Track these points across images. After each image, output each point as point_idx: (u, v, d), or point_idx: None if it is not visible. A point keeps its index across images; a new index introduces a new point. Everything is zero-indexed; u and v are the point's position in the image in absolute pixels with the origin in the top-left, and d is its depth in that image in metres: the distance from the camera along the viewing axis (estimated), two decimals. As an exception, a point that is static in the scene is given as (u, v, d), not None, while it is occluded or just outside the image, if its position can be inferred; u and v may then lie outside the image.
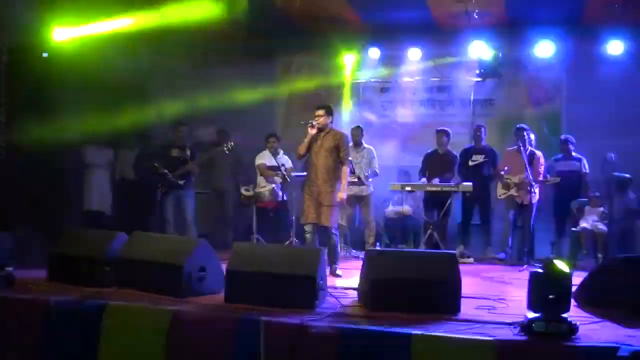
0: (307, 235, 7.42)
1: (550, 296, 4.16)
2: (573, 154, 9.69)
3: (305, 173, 8.05)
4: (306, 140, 7.49)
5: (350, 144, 9.71)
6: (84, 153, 10.05)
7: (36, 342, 4.88)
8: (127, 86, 10.26)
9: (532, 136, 9.36)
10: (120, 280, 5.68)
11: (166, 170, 8.83)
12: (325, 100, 9.29)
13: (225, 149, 9.19)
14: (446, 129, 9.98)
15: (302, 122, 7.65)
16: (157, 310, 4.74)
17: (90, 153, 10.13)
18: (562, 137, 10.02)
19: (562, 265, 4.25)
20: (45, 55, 9.41)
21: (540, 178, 8.96)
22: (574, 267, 7.55)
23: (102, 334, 4.72)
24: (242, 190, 9.39)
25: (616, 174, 9.25)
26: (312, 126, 7.44)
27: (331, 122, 7.62)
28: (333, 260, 7.42)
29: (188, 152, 9.28)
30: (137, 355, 4.62)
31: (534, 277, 4.30)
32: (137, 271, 5.61)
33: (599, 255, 8.89)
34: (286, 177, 8.91)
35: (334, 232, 7.45)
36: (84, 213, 10.00)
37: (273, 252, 5.61)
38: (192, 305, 4.93)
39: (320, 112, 7.51)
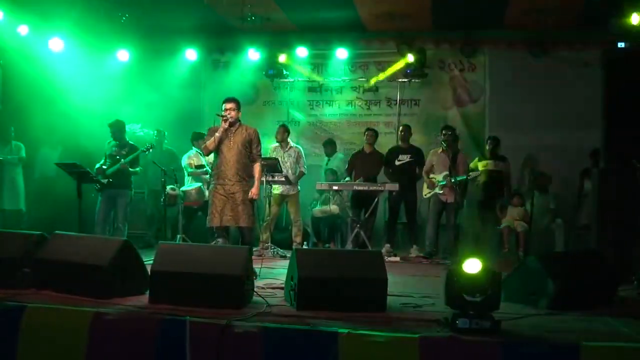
0: (220, 239, 7.01)
1: (474, 293, 4.24)
2: (497, 153, 9.90)
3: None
4: (217, 134, 6.89)
5: (276, 143, 9.72)
6: None
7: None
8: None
9: (458, 136, 9.54)
10: (40, 281, 5.48)
11: (87, 169, 8.55)
12: (250, 99, 9.18)
13: (145, 151, 9.00)
14: (375, 128, 10.07)
15: (216, 114, 7.12)
16: (78, 311, 4.59)
17: None
18: (487, 136, 10.25)
19: (486, 263, 4.33)
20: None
21: (462, 174, 9.12)
22: (496, 264, 7.75)
23: (21, 336, 4.55)
24: (168, 189, 9.23)
25: (537, 173, 9.52)
26: (225, 120, 6.88)
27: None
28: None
29: (124, 151, 9.02)
30: (58, 357, 4.48)
31: (456, 274, 4.37)
32: (58, 272, 5.42)
33: (520, 252, 9.14)
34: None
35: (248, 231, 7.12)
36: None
37: (199, 252, 5.50)
38: (115, 306, 4.81)
39: (231, 105, 6.96)
